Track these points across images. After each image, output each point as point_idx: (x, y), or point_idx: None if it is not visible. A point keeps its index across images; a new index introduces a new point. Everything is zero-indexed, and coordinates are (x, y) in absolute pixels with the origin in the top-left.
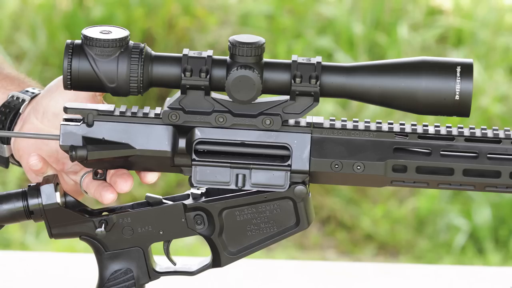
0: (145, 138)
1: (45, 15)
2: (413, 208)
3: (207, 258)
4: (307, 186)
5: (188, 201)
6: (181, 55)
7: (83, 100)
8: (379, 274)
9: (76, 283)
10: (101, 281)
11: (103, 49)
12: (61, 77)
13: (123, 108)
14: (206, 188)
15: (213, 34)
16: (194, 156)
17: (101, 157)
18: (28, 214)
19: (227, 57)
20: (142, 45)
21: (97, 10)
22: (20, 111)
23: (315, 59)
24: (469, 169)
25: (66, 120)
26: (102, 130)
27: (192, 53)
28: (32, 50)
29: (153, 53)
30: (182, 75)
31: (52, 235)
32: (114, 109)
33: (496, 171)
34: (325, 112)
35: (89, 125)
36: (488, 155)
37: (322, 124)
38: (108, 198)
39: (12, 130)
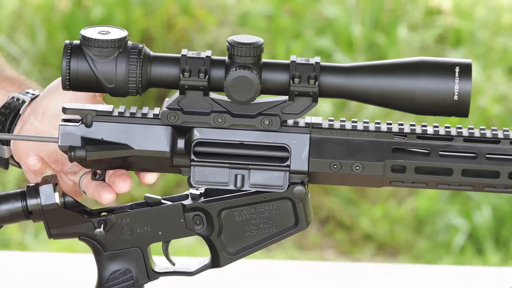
0: (144, 138)
1: (44, 15)
2: (412, 208)
3: (206, 259)
4: (306, 186)
5: (187, 202)
6: (179, 55)
7: (82, 100)
8: (378, 274)
9: (75, 283)
10: (100, 281)
11: (102, 49)
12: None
13: (121, 109)
14: (205, 189)
15: (212, 34)
16: (193, 157)
17: (100, 157)
18: (27, 214)
19: (226, 58)
20: (141, 45)
21: (96, 10)
22: (20, 112)
23: (313, 60)
24: (468, 169)
25: (65, 120)
26: (101, 131)
27: (190, 54)
28: (31, 50)
29: (152, 53)
30: (181, 76)
31: (51, 235)
32: (113, 109)
33: (495, 171)
34: (324, 112)
35: (88, 125)
36: (487, 155)
37: (320, 124)
38: (106, 198)
39: (12, 131)
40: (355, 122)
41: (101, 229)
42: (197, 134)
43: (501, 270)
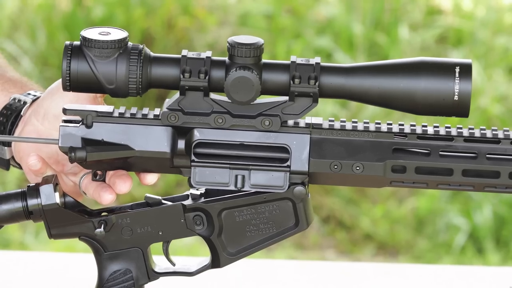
0: (144, 139)
1: (44, 15)
2: (413, 208)
3: (206, 259)
4: (306, 186)
5: (188, 202)
6: (180, 56)
7: (84, 101)
8: (378, 274)
9: (75, 283)
10: (100, 281)
11: (102, 50)
12: None
13: (122, 109)
14: (205, 189)
15: (212, 34)
16: (193, 157)
17: (100, 158)
18: (27, 214)
19: (226, 58)
20: (141, 46)
21: (97, 10)
22: (22, 113)
23: (314, 60)
24: (468, 169)
25: (66, 121)
26: (101, 131)
27: (191, 54)
28: (31, 50)
29: (152, 54)
30: (181, 76)
31: (51, 235)
32: (113, 110)
33: (495, 171)
34: (324, 112)
35: (88, 126)
36: (487, 156)
37: (321, 124)
38: (106, 198)
39: (13, 132)
40: (356, 122)
41: (102, 229)
42: (198, 134)
43: (502, 270)
